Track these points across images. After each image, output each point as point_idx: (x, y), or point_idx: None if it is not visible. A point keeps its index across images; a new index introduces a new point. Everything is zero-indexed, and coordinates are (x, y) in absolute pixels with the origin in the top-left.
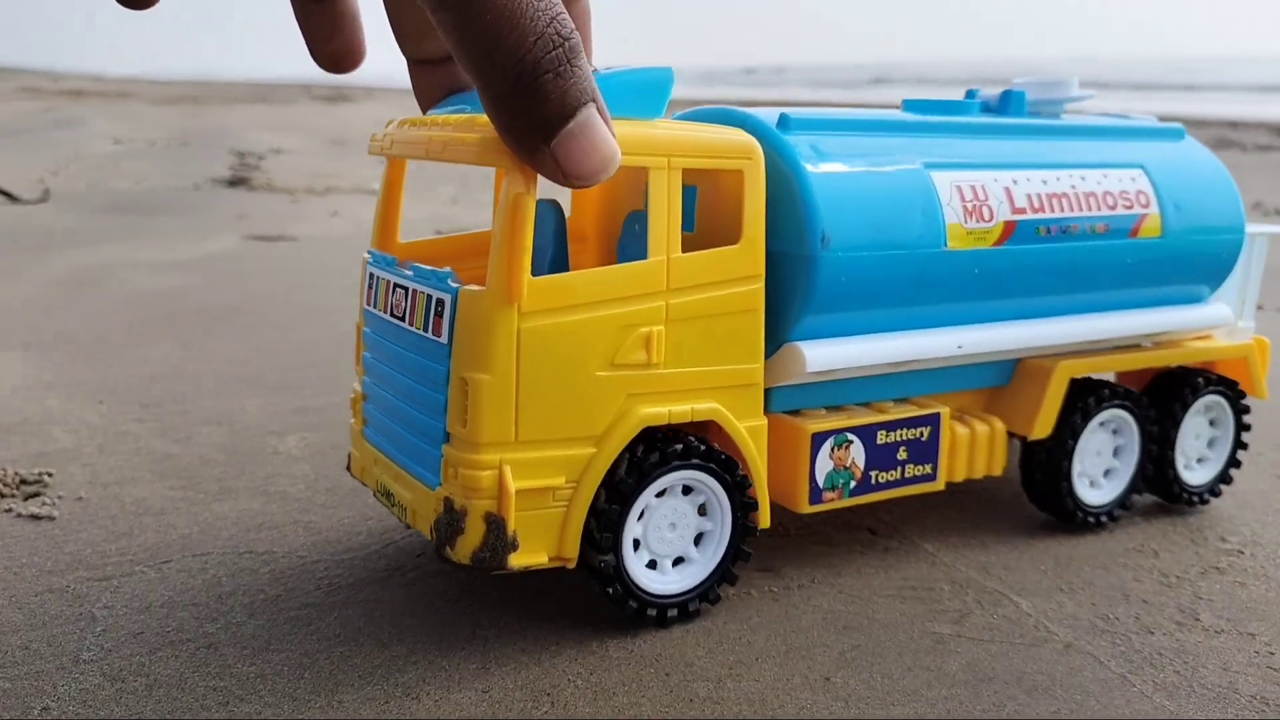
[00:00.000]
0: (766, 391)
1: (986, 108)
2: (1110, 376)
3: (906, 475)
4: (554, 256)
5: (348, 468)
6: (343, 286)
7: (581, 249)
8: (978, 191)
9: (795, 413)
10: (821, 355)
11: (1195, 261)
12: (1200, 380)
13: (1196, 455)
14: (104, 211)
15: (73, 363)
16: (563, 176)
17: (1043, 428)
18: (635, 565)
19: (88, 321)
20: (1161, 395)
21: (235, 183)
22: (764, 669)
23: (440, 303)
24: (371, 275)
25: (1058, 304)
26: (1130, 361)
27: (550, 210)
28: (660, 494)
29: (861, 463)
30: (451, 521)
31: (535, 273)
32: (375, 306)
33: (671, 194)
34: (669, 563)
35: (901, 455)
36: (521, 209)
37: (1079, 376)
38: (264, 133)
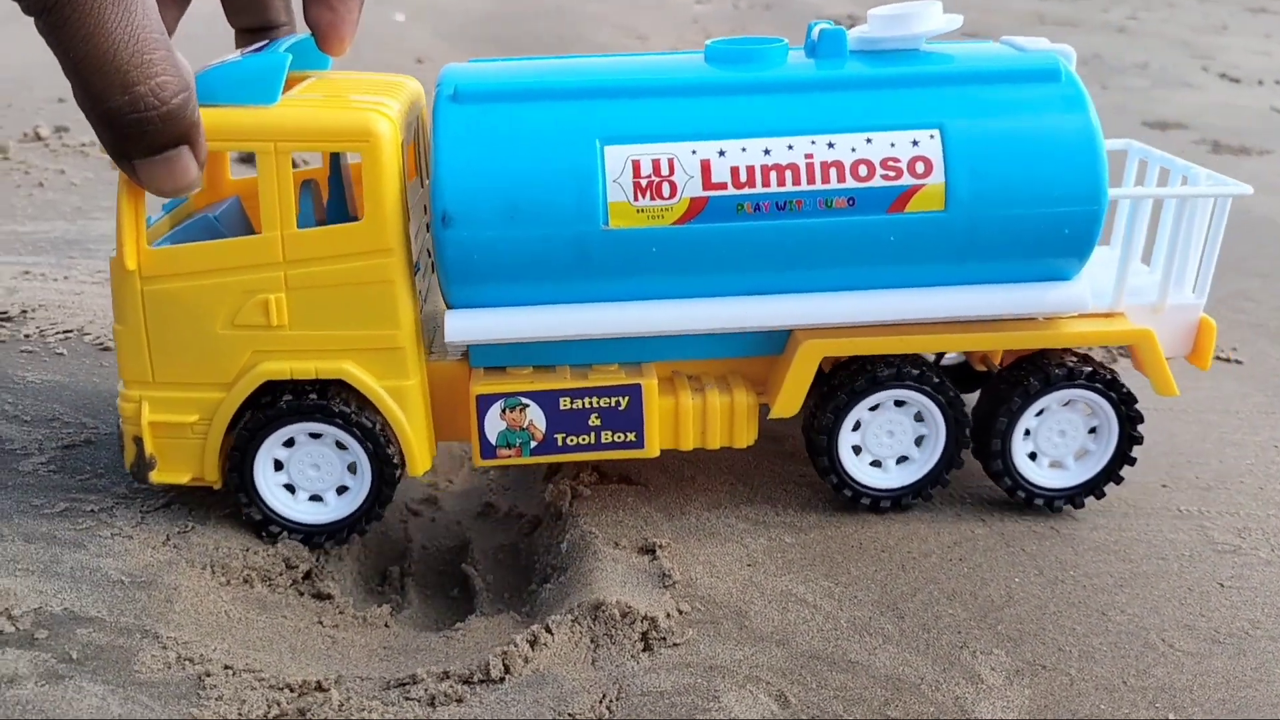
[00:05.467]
0: (470, 348)
1: (812, 49)
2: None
3: (603, 441)
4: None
5: None
6: None
7: None
8: (660, 166)
9: (500, 370)
10: (462, 325)
11: (1010, 238)
12: (1055, 371)
13: (1065, 454)
14: None
15: None
16: (143, 187)
17: (785, 406)
18: (274, 498)
19: None
20: (1008, 382)
21: None
22: None
23: None
24: None
25: (795, 281)
26: (914, 344)
27: (306, 190)
28: (289, 443)
29: (542, 425)
30: (120, 437)
31: None
32: None
33: (281, 175)
34: (333, 493)
35: (594, 422)
36: (121, 201)
37: (845, 355)
38: None
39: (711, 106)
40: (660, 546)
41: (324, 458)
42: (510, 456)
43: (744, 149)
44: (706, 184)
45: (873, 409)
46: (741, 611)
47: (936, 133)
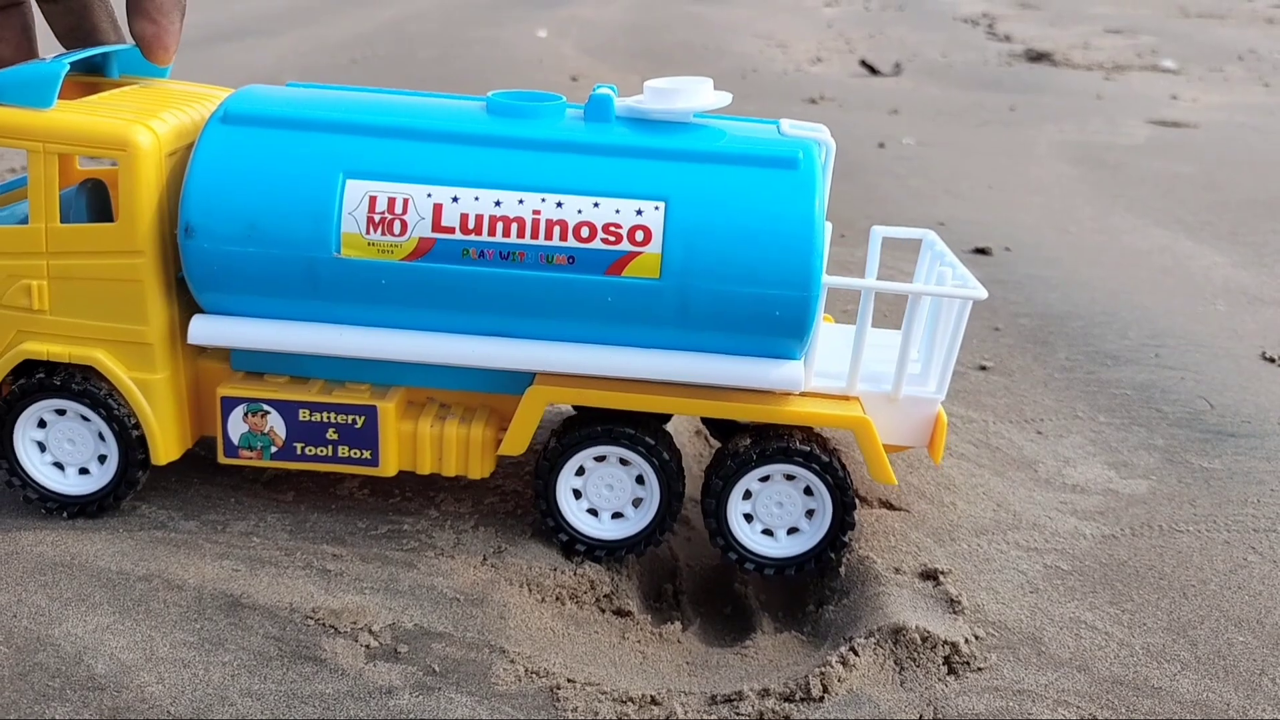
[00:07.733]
0: (232, 352)
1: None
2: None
3: (340, 455)
4: None
5: None
6: None
7: None
8: (394, 204)
9: (259, 375)
10: (202, 330)
11: (721, 312)
12: (761, 448)
13: (785, 526)
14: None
15: None
16: None
17: (512, 445)
18: (37, 471)
19: None
20: (721, 454)
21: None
22: None
23: None
24: None
25: (520, 328)
26: (635, 402)
27: (82, 192)
28: (62, 413)
29: (282, 432)
30: None
31: None
32: None
33: (48, 173)
34: (83, 469)
35: (331, 435)
36: None
37: (571, 405)
38: None
39: (455, 154)
40: (942, 573)
41: (80, 436)
42: (251, 458)
43: (477, 198)
44: (436, 226)
45: (599, 459)
46: (1036, 638)
47: (662, 205)
